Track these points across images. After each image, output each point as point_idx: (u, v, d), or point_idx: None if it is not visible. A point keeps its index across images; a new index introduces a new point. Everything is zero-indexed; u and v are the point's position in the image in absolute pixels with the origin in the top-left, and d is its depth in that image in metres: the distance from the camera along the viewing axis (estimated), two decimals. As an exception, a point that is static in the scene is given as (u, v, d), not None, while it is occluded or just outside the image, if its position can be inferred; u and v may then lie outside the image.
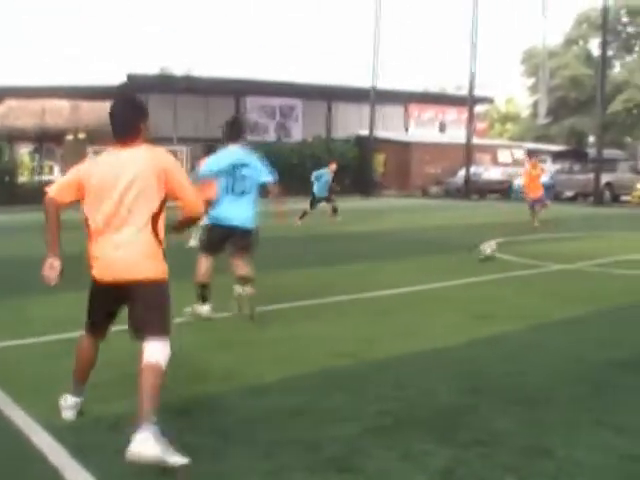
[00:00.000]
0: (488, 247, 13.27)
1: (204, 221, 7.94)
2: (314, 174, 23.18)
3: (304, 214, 22.02)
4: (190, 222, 5.05)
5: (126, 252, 4.59)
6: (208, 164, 8.55)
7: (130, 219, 4.57)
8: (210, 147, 13.44)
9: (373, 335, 7.40)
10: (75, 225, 5.93)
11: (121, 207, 4.57)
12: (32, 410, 5.12)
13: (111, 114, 4.78)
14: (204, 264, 8.19)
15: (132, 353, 6.66)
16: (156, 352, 4.71)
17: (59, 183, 4.98)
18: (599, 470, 4.08)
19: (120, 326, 7.64)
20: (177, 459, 4.04)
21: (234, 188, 8.15)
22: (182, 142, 36.81)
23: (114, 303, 5.00)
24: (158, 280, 4.77)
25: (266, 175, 8.51)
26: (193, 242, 16.06)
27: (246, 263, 8.14)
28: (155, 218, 4.61)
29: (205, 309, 8.25)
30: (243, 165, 8.18)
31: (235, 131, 8.60)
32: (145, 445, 4.06)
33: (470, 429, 4.71)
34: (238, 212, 8.13)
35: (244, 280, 8.08)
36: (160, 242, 4.66)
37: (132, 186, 4.55)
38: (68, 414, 4.97)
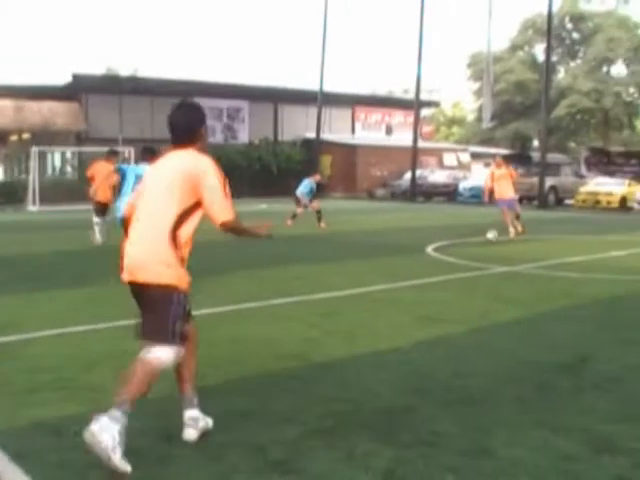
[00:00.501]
0: (490, 233, 14.41)
1: None
2: (302, 186, 22.76)
3: (294, 215, 22.10)
4: (233, 232, 4.87)
5: (136, 250, 4.62)
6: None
7: (152, 219, 4.59)
8: (151, 150, 13.27)
9: (318, 337, 7.42)
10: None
11: (149, 207, 4.63)
12: (-29, 415, 5.04)
13: (171, 119, 4.89)
14: None
15: (68, 357, 6.65)
16: (154, 351, 4.67)
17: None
18: (538, 470, 4.15)
19: (55, 330, 7.64)
20: (121, 463, 4.03)
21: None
22: (128, 143, 36.48)
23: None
24: (163, 285, 4.60)
25: None
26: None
27: None
28: (179, 222, 4.56)
29: None
30: None
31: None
32: (102, 430, 4.10)
33: (413, 430, 4.76)
34: None
35: None
36: (177, 247, 4.61)
37: (162, 188, 4.60)
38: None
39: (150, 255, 4.57)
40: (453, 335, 7.55)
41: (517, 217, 18.79)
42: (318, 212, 21.52)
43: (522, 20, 71.93)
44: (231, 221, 4.66)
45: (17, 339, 7.32)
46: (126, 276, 4.72)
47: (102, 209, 17.24)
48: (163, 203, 4.56)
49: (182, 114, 4.96)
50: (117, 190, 14.33)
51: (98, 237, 16.99)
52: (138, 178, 12.56)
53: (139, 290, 4.73)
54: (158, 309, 4.67)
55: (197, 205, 4.60)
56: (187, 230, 4.65)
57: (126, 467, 4.04)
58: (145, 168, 13.11)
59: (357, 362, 6.50)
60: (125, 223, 5.14)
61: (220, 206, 4.61)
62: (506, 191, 18.87)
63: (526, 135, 69.78)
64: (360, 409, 5.19)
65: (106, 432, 4.08)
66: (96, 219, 17.27)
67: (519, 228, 18.44)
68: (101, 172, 17.17)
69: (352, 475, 4.08)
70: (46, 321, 8.15)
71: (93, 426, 4.10)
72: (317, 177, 23.14)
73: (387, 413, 5.10)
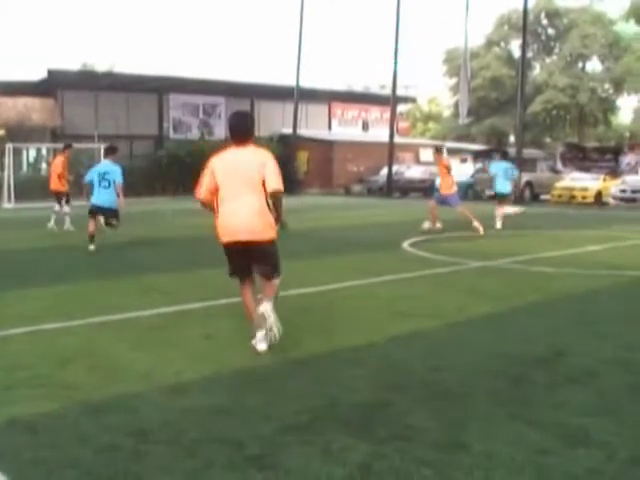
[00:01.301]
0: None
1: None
2: None
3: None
4: (275, 203, 6.86)
5: (246, 220, 6.75)
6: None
7: (251, 197, 6.76)
8: (112, 148, 15.42)
9: (293, 333, 7.40)
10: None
11: (243, 189, 6.75)
12: (-54, 412, 5.01)
13: (232, 124, 7.05)
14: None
15: (43, 355, 6.62)
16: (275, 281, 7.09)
17: (202, 186, 6.97)
18: (513, 463, 4.17)
19: (29, 328, 7.61)
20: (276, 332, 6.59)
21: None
22: (103, 139, 36.28)
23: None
24: (267, 239, 6.90)
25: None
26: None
27: None
28: (260, 193, 6.76)
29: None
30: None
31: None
32: (268, 308, 6.67)
33: (388, 424, 4.77)
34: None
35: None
36: (269, 208, 6.83)
37: (250, 175, 6.77)
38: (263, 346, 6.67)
39: (261, 221, 6.75)
40: (429, 330, 7.57)
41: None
42: None
43: (498, 16, 72.20)
44: (281, 190, 6.85)
45: (-9, 336, 7.27)
46: (235, 238, 6.85)
47: (57, 197, 19.94)
48: (255, 185, 6.73)
49: (240, 121, 7.20)
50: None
51: (52, 225, 19.55)
52: (100, 174, 14.78)
53: (247, 247, 6.82)
54: (270, 255, 6.96)
55: (263, 182, 6.76)
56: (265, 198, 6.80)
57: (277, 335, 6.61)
58: (106, 163, 15.13)
59: (333, 357, 6.50)
60: (205, 204, 7.06)
61: (278, 179, 6.81)
62: (449, 187, 18.50)
63: (502, 131, 70.06)
64: (336, 404, 5.19)
65: (271, 312, 6.65)
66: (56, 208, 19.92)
67: (438, 224, 18.22)
68: (55, 164, 20.42)
69: (328, 470, 4.08)
70: (20, 319, 8.10)
71: (263, 307, 6.65)
72: None
73: (363, 408, 5.11)
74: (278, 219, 6.95)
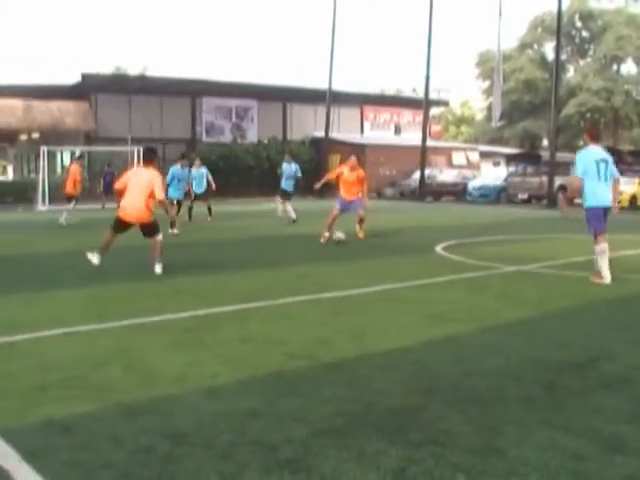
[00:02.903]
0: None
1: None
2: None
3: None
4: (161, 205, 11.50)
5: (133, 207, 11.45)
6: None
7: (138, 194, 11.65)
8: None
9: (326, 336, 7.42)
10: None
11: (137, 189, 11.18)
12: (-17, 413, 5.06)
13: (143, 155, 9.49)
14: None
15: (76, 356, 6.67)
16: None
17: (121, 182, 11.46)
18: (548, 469, 4.14)
19: (63, 329, 7.67)
20: None
21: None
22: (136, 142, 36.54)
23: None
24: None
25: None
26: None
27: None
28: (144, 196, 11.25)
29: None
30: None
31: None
32: (159, 268, 11.29)
33: (422, 429, 4.76)
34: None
35: None
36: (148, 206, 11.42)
37: (142, 182, 11.91)
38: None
39: (143, 211, 11.26)
40: (462, 334, 7.54)
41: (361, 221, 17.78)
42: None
43: (531, 18, 71.80)
44: (161, 199, 11.31)
45: (26, 338, 7.34)
46: (127, 218, 11.91)
47: (68, 199, 23.78)
48: (144, 191, 11.42)
49: (146, 152, 12.27)
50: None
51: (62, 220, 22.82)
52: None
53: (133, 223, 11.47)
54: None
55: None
56: None
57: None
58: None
59: (366, 362, 6.49)
60: (118, 193, 11.20)
61: (160, 191, 9.99)
62: (354, 194, 17.70)
63: (535, 134, 69.67)
64: (370, 409, 5.19)
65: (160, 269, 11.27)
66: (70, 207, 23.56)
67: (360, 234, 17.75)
68: (72, 171, 24.13)
69: (362, 474, 4.08)
70: (54, 320, 8.18)
71: (157, 268, 11.01)
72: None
73: (397, 412, 5.10)
74: (168, 213, 13.69)
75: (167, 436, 4.63)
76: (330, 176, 19.56)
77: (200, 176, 23.71)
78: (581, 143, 65.87)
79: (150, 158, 12.57)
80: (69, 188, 23.65)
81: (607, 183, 11.20)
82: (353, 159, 18.05)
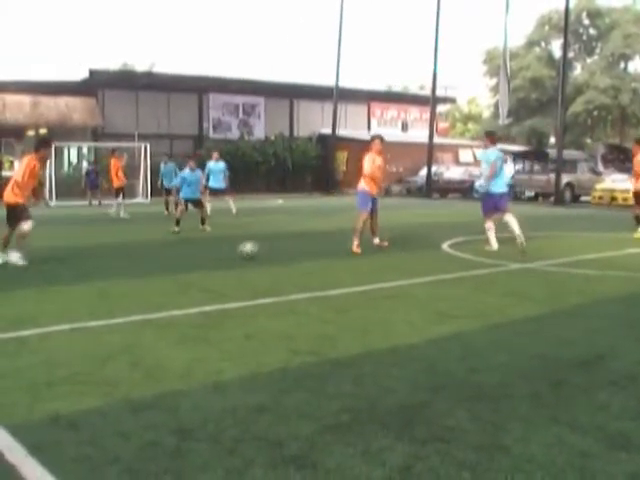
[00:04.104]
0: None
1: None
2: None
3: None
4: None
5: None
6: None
7: None
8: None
9: (332, 332, 7.43)
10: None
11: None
12: (-11, 408, 5.08)
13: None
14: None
15: (84, 351, 6.70)
16: None
17: None
18: (554, 466, 4.14)
19: (71, 325, 7.69)
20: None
21: None
22: (143, 139, 36.61)
23: None
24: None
25: None
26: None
27: None
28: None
29: None
30: None
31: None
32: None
33: (428, 426, 4.76)
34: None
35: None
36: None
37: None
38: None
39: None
40: (468, 331, 7.54)
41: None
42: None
43: (538, 16, 71.65)
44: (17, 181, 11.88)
45: (34, 333, 7.36)
46: None
47: (117, 192, 25.11)
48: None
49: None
50: None
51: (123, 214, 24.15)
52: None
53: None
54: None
55: None
56: None
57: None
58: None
59: (372, 358, 6.50)
60: None
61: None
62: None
63: (542, 132, 69.56)
64: (375, 405, 5.19)
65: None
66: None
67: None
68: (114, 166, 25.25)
69: (368, 470, 4.08)
70: (62, 315, 8.20)
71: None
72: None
73: (402, 409, 5.10)
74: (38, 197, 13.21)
75: (173, 431, 4.65)
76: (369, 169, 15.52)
77: (218, 170, 23.53)
78: (588, 141, 66.05)
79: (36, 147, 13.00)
80: (115, 181, 25.18)
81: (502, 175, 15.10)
82: (377, 142, 15.66)
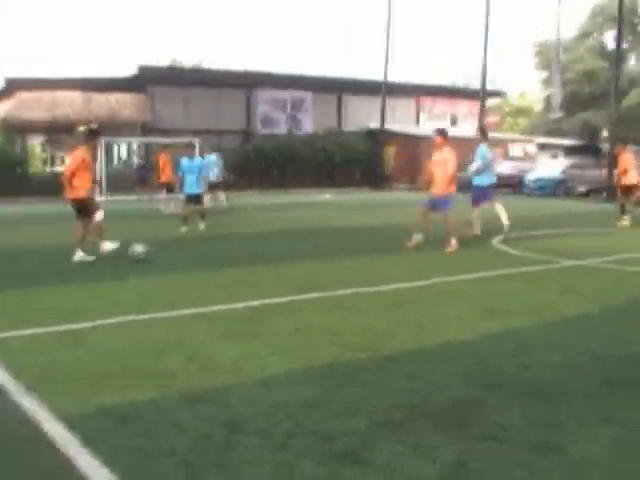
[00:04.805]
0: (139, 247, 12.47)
1: None
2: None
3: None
4: None
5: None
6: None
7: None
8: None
9: (384, 328, 7.40)
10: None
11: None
12: (44, 399, 5.15)
13: None
14: None
15: (136, 344, 6.75)
16: None
17: None
18: (609, 467, 4.09)
19: (123, 318, 7.76)
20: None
21: None
22: (192, 134, 36.78)
23: None
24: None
25: None
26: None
27: None
28: None
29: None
30: None
31: None
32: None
33: (481, 423, 4.72)
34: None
35: None
36: None
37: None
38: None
39: None
40: (520, 328, 7.46)
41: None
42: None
43: (591, 6, 70.65)
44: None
45: (87, 326, 7.45)
46: None
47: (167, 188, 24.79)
48: None
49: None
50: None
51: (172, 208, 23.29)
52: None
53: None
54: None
55: None
56: None
57: None
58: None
59: (423, 354, 6.47)
60: None
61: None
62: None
63: (595, 126, 68.61)
64: (427, 401, 5.16)
65: None
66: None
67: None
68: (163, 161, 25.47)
69: (419, 467, 4.06)
70: (114, 309, 8.29)
71: None
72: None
73: (455, 405, 5.07)
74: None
75: (225, 425, 4.67)
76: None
77: (210, 163, 23.66)
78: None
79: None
80: (162, 177, 25.23)
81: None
82: (438, 137, 15.21)
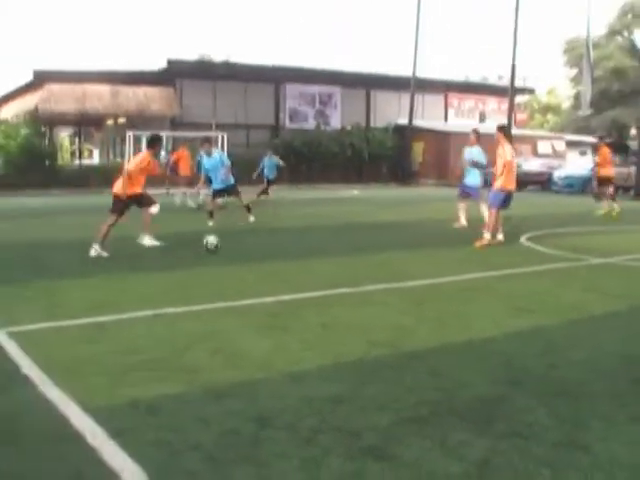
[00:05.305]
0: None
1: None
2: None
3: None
4: None
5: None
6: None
7: None
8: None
9: (409, 324, 7.41)
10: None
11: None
12: (71, 392, 5.20)
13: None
14: None
15: (162, 338, 6.80)
16: None
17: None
18: (635, 467, 4.08)
19: (149, 311, 7.81)
20: None
21: None
22: (221, 128, 36.88)
23: None
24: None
25: None
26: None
27: None
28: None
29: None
30: None
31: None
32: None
33: (506, 421, 4.72)
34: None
35: None
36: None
37: None
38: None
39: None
40: (547, 326, 7.44)
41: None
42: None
43: (621, 4, 70.03)
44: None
45: (114, 319, 7.51)
46: None
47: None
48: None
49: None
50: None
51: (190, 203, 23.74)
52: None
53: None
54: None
55: None
56: None
57: None
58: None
59: (449, 351, 6.47)
60: None
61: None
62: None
63: (624, 123, 68.00)
64: (453, 398, 5.17)
65: None
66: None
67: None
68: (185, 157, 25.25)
69: (445, 464, 4.07)
70: (141, 302, 8.35)
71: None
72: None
73: (480, 403, 5.08)
74: None
75: (252, 419, 4.70)
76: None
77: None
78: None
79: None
80: (182, 171, 25.00)
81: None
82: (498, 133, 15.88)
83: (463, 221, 17.66)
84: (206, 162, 17.83)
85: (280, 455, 4.18)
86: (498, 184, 14.71)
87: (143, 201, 13.33)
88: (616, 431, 4.59)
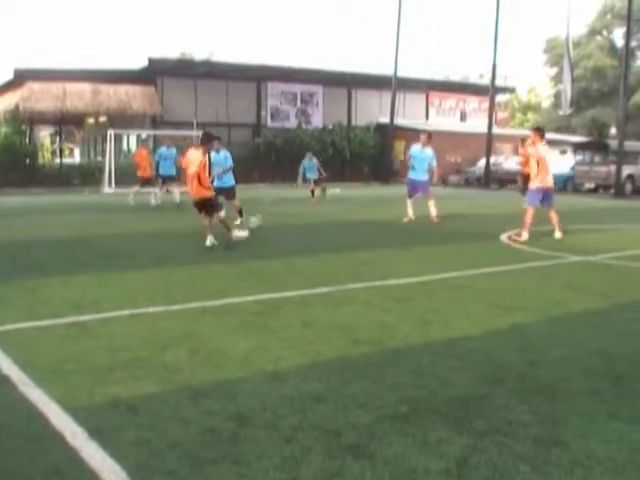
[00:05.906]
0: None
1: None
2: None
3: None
4: None
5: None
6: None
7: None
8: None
9: (391, 323, 7.42)
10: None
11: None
12: (51, 391, 5.18)
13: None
14: None
15: (144, 337, 6.78)
16: None
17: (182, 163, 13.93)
18: (613, 462, 4.09)
19: (131, 310, 7.79)
20: None
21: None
22: (202, 127, 36.80)
23: None
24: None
25: None
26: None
27: None
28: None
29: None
30: None
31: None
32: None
33: (486, 418, 4.74)
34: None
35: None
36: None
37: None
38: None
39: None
40: (527, 324, 7.47)
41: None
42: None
43: (600, 4, 70.41)
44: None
45: (94, 318, 7.49)
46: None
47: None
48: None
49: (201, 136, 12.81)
50: None
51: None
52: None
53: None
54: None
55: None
56: None
57: None
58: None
59: (431, 349, 6.48)
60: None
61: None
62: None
63: (603, 122, 68.39)
64: (434, 396, 5.18)
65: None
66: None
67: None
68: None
69: (425, 462, 4.07)
70: (122, 301, 8.33)
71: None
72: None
73: (461, 401, 5.08)
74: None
75: (232, 418, 4.69)
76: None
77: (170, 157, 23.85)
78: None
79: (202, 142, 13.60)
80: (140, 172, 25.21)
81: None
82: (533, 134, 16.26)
83: (411, 215, 18.75)
84: (213, 157, 17.62)
85: (259, 454, 4.17)
86: (535, 184, 15.09)
87: (215, 207, 13.68)
88: (595, 428, 4.60)
